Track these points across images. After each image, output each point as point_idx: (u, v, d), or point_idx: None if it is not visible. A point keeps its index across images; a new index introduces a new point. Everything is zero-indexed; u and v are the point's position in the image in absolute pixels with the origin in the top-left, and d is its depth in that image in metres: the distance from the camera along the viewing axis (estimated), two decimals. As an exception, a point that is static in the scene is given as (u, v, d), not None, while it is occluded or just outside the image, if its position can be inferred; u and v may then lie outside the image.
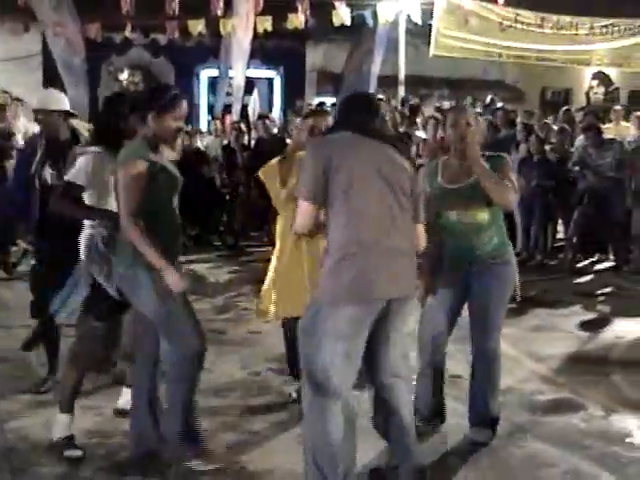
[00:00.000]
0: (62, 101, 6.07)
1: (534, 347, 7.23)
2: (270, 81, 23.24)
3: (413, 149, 12.68)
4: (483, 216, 4.96)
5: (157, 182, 4.46)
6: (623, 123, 13.55)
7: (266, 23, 16.81)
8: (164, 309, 4.46)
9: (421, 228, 4.30)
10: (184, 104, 4.67)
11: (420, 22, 17.20)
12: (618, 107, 14.83)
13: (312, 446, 4.03)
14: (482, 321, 5.10)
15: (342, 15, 16.93)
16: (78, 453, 4.88)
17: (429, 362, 5.29)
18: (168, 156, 4.88)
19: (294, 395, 5.70)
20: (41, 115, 6.07)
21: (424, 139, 12.50)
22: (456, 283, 5.10)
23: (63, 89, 16.89)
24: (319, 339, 3.95)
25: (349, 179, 3.95)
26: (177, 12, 16.25)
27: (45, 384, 6.06)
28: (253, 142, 14.31)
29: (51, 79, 17.98)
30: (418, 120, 13.89)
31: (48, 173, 5.84)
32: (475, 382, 5.21)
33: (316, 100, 20.08)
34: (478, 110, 15.97)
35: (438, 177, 5.09)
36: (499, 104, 15.17)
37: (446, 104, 17.79)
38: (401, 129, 13.37)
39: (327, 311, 3.94)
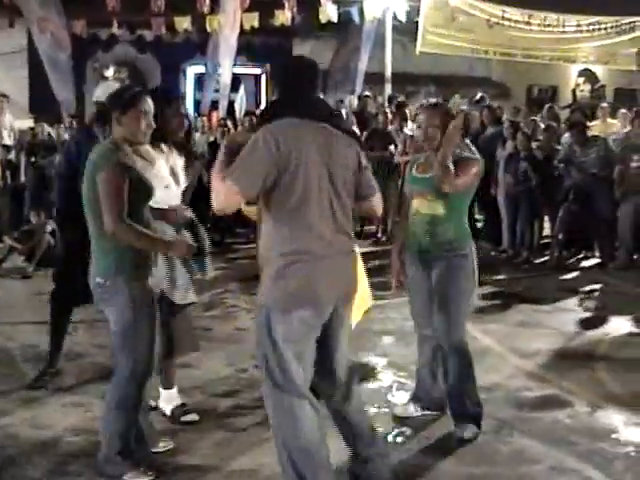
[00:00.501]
0: None
1: (520, 343, 7.24)
2: (257, 78, 23.22)
3: (400, 146, 12.72)
4: (439, 209, 5.08)
5: (130, 188, 4.39)
6: (609, 120, 13.59)
7: (253, 20, 16.80)
8: (132, 324, 4.42)
9: (378, 198, 4.28)
10: (148, 100, 4.60)
11: (405, 19, 17.22)
12: (604, 104, 14.88)
13: (285, 446, 3.97)
14: (443, 315, 5.13)
15: (329, 12, 16.93)
16: (195, 417, 5.36)
17: (426, 353, 5.42)
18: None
19: None
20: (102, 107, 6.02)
21: (411, 136, 12.51)
22: (421, 271, 5.24)
23: (48, 85, 16.96)
24: (274, 343, 3.91)
25: (305, 191, 3.85)
26: (163, 9, 16.23)
27: (42, 379, 6.04)
28: (239, 139, 14.27)
29: (37, 75, 17.97)
30: (407, 111, 13.93)
31: None
32: (448, 378, 5.23)
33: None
34: (463, 107, 16.01)
35: (414, 167, 5.30)
36: (487, 101, 15.18)
37: (433, 101, 17.75)
38: (390, 127, 13.40)
39: (277, 317, 3.89)
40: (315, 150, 3.90)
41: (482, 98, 15.48)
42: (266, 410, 4.07)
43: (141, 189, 4.46)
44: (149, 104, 4.60)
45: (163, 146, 5.13)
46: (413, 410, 5.48)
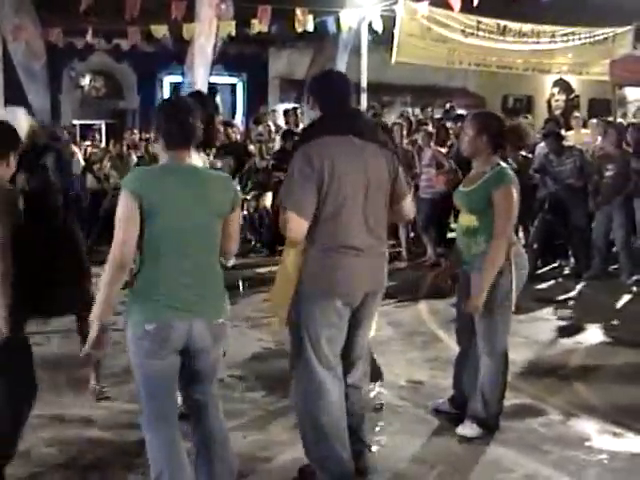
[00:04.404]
0: None
1: (495, 353, 7.26)
2: (233, 87, 23.22)
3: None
4: (472, 221, 5.21)
5: None
6: (582, 130, 13.67)
7: (230, 28, 16.73)
8: None
9: (409, 201, 4.62)
10: None
11: (380, 30, 17.23)
12: (577, 114, 14.96)
13: (309, 417, 4.39)
14: (480, 325, 5.30)
15: (304, 22, 16.92)
16: None
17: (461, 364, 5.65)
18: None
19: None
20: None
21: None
22: (464, 282, 5.43)
23: (23, 94, 16.87)
24: (310, 327, 4.32)
25: (340, 199, 4.21)
26: (136, 16, 16.12)
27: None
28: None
29: (12, 84, 17.89)
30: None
31: None
32: (478, 379, 5.42)
33: (279, 107, 20.09)
34: (437, 116, 16.12)
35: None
36: (459, 111, 15.25)
37: (409, 111, 17.89)
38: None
39: (315, 304, 4.30)
40: (347, 162, 4.24)
41: (452, 108, 15.56)
42: (293, 389, 4.47)
43: None
44: None
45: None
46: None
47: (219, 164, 5.11)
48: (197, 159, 4.65)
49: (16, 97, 17.26)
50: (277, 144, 13.93)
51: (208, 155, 5.32)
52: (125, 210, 3.72)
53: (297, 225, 4.18)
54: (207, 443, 4.11)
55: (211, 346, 3.98)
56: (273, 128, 15.37)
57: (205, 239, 3.92)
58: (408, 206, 4.62)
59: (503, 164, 5.33)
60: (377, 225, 4.38)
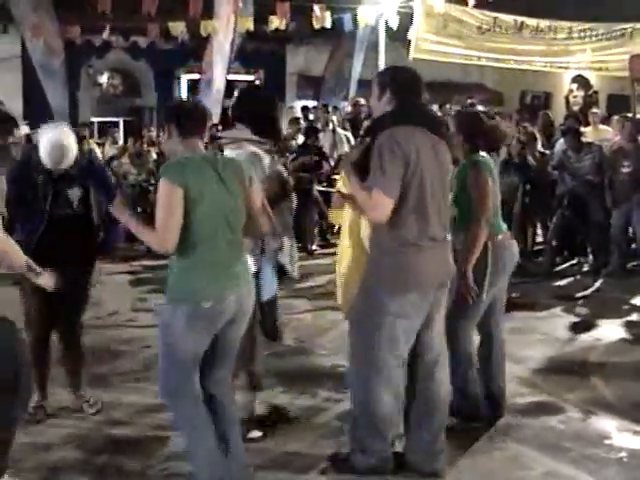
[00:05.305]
0: None
1: (513, 349, 7.20)
2: (250, 84, 23.23)
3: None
4: (453, 210, 5.20)
5: None
6: (601, 127, 13.60)
7: (247, 24, 16.72)
8: None
9: None
10: None
11: (396, 27, 17.21)
12: (595, 110, 14.90)
13: (368, 403, 4.49)
14: (484, 314, 5.38)
15: (322, 18, 16.92)
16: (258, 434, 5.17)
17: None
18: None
19: None
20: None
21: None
22: None
23: (42, 92, 16.96)
24: (386, 319, 4.38)
25: (421, 188, 4.33)
26: (154, 14, 16.17)
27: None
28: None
29: (30, 82, 18.00)
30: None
31: None
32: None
33: (297, 103, 20.10)
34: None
35: None
36: (478, 107, 15.18)
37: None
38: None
39: (391, 297, 4.37)
40: (426, 154, 4.38)
41: (472, 104, 15.48)
42: (352, 376, 4.58)
43: None
44: None
45: None
46: None
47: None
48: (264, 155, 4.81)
49: (35, 95, 17.39)
50: (299, 140, 13.89)
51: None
52: (170, 200, 3.93)
53: (383, 204, 4.25)
54: (226, 433, 4.26)
55: (247, 315, 4.28)
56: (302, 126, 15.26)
57: (234, 220, 4.14)
58: None
59: (483, 154, 5.34)
60: (445, 216, 4.56)
